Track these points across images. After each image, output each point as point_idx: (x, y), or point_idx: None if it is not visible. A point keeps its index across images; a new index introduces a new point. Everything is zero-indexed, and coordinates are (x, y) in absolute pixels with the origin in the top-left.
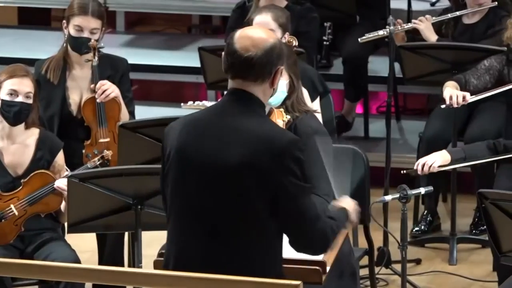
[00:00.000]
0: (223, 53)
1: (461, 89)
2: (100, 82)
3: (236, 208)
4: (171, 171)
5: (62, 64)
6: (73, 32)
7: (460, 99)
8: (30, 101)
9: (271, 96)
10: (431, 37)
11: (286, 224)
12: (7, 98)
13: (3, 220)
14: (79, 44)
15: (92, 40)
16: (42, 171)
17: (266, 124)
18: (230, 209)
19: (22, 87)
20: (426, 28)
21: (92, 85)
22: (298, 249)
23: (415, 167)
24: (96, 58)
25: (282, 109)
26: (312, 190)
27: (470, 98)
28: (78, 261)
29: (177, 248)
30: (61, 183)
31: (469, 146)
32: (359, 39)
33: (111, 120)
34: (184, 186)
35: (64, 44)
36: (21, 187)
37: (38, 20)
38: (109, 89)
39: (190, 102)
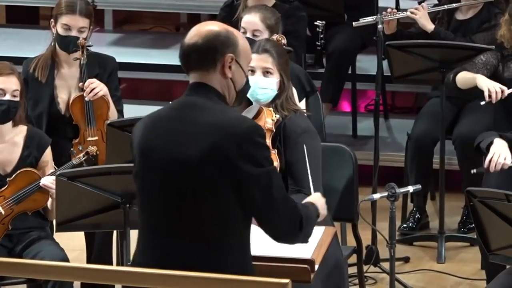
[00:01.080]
0: None
1: None
2: (89, 81)
3: (202, 201)
4: (138, 171)
5: (50, 63)
6: (61, 31)
7: (499, 95)
8: (17, 98)
9: (244, 93)
10: (428, 25)
11: (254, 210)
12: None
13: None
14: (67, 43)
15: (81, 39)
16: (28, 169)
17: (224, 113)
18: (196, 202)
19: (9, 85)
20: (423, 17)
21: (81, 84)
22: (273, 237)
23: (485, 166)
24: (85, 56)
25: (271, 108)
26: (276, 172)
27: (508, 91)
28: (67, 260)
29: (144, 244)
30: (47, 181)
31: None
32: (353, 23)
33: (99, 118)
34: (149, 183)
35: (52, 43)
36: (6, 186)
37: (27, 19)
38: (98, 87)
39: None
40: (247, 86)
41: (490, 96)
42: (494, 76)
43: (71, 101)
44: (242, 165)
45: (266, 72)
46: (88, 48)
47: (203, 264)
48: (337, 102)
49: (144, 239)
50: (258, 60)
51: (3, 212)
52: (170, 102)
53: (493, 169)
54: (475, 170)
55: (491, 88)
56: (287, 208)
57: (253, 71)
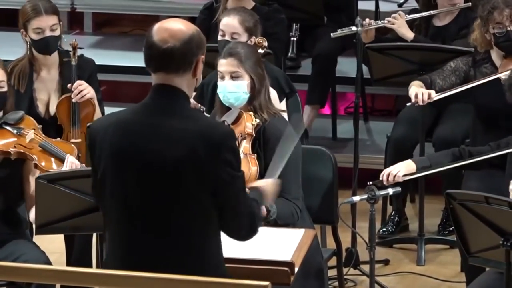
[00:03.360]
0: (143, 47)
1: (427, 89)
2: (78, 82)
3: (179, 205)
4: (107, 175)
5: (28, 71)
6: (34, 36)
7: (426, 97)
8: (5, 89)
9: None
10: (408, 34)
11: (221, 210)
12: None
13: (15, 131)
14: (44, 45)
15: (73, 40)
16: (72, 141)
17: (198, 119)
18: (173, 207)
19: None
20: (402, 26)
21: (69, 85)
22: (227, 233)
23: (380, 178)
24: (76, 57)
25: (251, 113)
26: (245, 185)
27: (435, 96)
28: (49, 263)
29: (123, 249)
30: (73, 160)
31: (434, 154)
32: (331, 34)
33: (84, 121)
34: (124, 189)
35: (28, 52)
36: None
37: (5, 21)
38: (86, 89)
39: None
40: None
41: (416, 96)
42: (465, 81)
43: (58, 101)
44: (220, 171)
45: (234, 76)
46: (80, 49)
47: (179, 265)
48: (325, 103)
49: (118, 239)
50: (225, 65)
51: (28, 139)
52: (135, 105)
53: (386, 182)
54: (371, 182)
55: (418, 91)
56: (248, 212)
57: (222, 77)
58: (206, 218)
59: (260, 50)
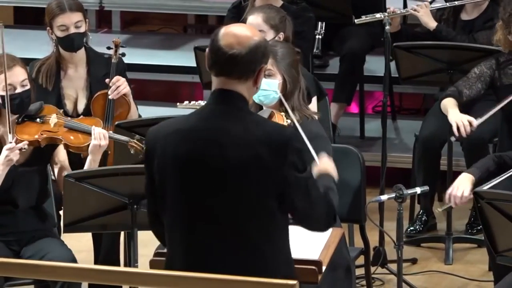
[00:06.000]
0: (207, 49)
1: (458, 102)
2: (116, 77)
3: (245, 208)
4: (169, 182)
5: (55, 68)
6: (59, 33)
7: (468, 129)
8: (28, 86)
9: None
10: (430, 23)
11: (294, 212)
12: (3, 93)
13: (38, 120)
14: (70, 42)
15: (116, 38)
16: (96, 118)
17: (261, 123)
18: (240, 209)
19: (16, 78)
20: (425, 15)
21: (107, 80)
22: (311, 230)
23: (447, 202)
24: (118, 55)
25: (283, 113)
26: (311, 171)
27: (477, 123)
28: (75, 261)
29: (185, 249)
30: (100, 131)
31: (477, 164)
32: (355, 20)
33: (117, 118)
34: (189, 194)
35: (54, 49)
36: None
37: (34, 20)
38: (122, 85)
39: (186, 102)
40: None
41: (459, 130)
42: (491, 85)
43: (94, 96)
44: (287, 174)
45: (266, 74)
46: (122, 47)
47: (239, 267)
48: (351, 102)
49: (179, 244)
50: None
51: (52, 124)
52: (195, 110)
53: (454, 204)
54: (439, 209)
55: (458, 122)
56: (323, 204)
57: None
58: (271, 222)
59: None
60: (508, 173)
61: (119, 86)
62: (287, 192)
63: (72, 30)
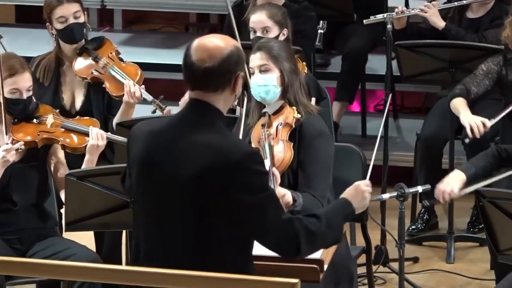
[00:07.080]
0: (182, 63)
1: (467, 100)
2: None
3: (190, 220)
4: (135, 181)
5: (54, 64)
6: (59, 25)
7: (482, 129)
8: (31, 92)
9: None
10: (439, 23)
11: (251, 236)
12: (10, 96)
13: (35, 120)
14: (70, 32)
15: None
16: (93, 119)
17: (223, 137)
18: (185, 221)
19: (23, 84)
20: (434, 15)
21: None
22: (270, 250)
23: (436, 197)
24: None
25: (294, 107)
26: (272, 196)
27: (490, 123)
28: (99, 261)
29: (145, 253)
30: (98, 131)
31: (474, 158)
32: (364, 21)
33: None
34: (144, 197)
35: (55, 43)
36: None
37: (36, 19)
38: (133, 89)
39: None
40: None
41: (472, 131)
42: (498, 82)
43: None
44: (236, 196)
45: (262, 70)
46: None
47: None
48: (353, 100)
49: (142, 242)
50: (254, 60)
51: (49, 124)
52: (173, 115)
53: (442, 200)
54: (426, 202)
55: (472, 123)
56: (284, 229)
57: (253, 73)
58: (215, 237)
59: None
60: (507, 173)
61: (133, 91)
62: (236, 213)
63: (71, 20)
